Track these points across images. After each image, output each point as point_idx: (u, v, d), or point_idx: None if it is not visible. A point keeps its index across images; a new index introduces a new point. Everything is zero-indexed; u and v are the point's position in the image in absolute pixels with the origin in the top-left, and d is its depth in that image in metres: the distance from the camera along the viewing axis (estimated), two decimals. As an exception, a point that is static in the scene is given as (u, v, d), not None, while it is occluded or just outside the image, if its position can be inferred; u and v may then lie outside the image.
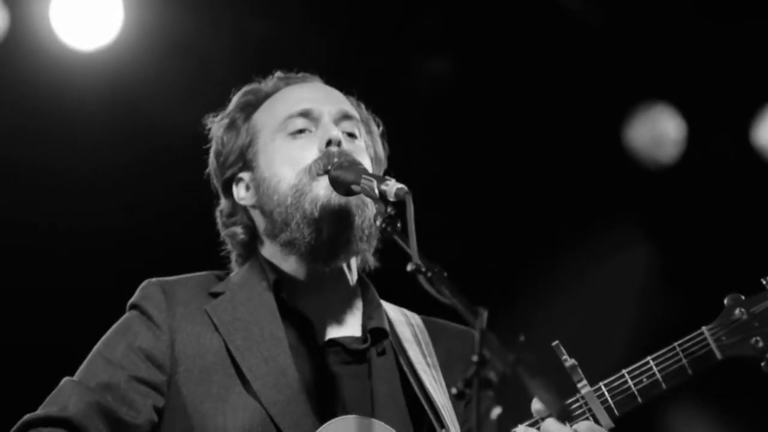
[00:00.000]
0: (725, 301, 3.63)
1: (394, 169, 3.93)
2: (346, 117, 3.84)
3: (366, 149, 3.88)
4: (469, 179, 6.90)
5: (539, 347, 3.05)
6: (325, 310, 3.76)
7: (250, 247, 3.87)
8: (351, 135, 3.84)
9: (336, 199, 3.65)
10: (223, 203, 3.92)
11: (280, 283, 3.74)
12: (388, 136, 4.03)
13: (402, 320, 3.87)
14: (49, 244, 6.38)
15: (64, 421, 3.49)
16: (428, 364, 3.78)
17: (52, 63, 6.22)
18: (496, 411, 2.80)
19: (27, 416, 3.54)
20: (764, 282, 3.63)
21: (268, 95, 3.92)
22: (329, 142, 3.72)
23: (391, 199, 3.44)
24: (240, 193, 3.86)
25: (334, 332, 3.74)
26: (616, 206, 6.86)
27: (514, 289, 6.61)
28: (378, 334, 3.76)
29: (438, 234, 3.36)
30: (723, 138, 6.94)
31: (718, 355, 3.59)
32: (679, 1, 6.77)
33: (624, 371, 3.57)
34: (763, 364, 3.58)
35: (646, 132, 7.00)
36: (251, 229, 3.86)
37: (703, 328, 3.60)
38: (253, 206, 3.83)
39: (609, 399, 3.56)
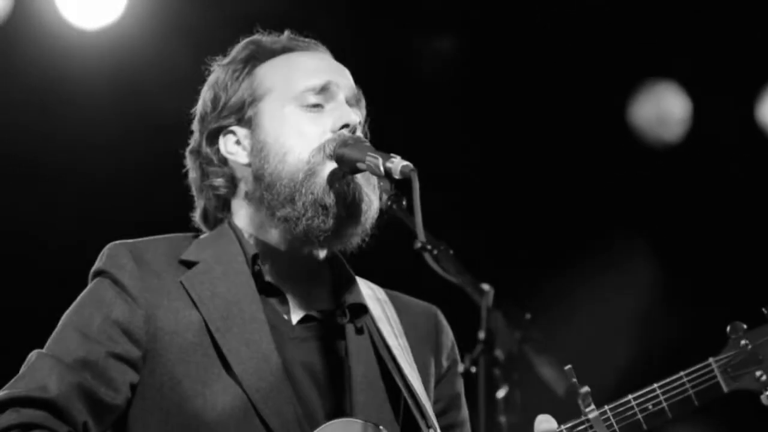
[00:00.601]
0: (728, 330, 3.59)
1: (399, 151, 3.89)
2: (357, 100, 3.75)
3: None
4: (468, 164, 6.88)
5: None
6: (299, 284, 3.65)
7: (226, 205, 3.72)
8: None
9: (351, 191, 3.55)
10: (205, 149, 3.72)
11: (257, 256, 3.63)
12: (394, 118, 3.98)
13: (370, 295, 3.76)
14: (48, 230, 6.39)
15: (46, 403, 3.35)
16: (400, 346, 3.70)
17: (55, 42, 6.22)
18: (502, 390, 2.80)
19: (3, 393, 3.38)
20: (765, 311, 3.59)
21: (274, 53, 3.77)
22: (345, 126, 3.62)
23: (397, 176, 3.39)
24: (228, 146, 3.69)
25: (309, 307, 3.64)
26: (616, 205, 6.88)
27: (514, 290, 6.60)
28: (356, 309, 3.67)
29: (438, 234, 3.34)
30: (728, 116, 6.94)
31: (725, 388, 3.55)
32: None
33: (630, 396, 3.53)
34: (763, 396, 3.55)
35: (651, 110, 6.99)
36: (233, 186, 3.71)
37: (710, 360, 3.56)
38: (246, 165, 3.66)
39: (614, 424, 3.51)
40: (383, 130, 3.79)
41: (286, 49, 3.78)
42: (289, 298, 3.64)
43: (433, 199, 3.32)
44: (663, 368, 3.58)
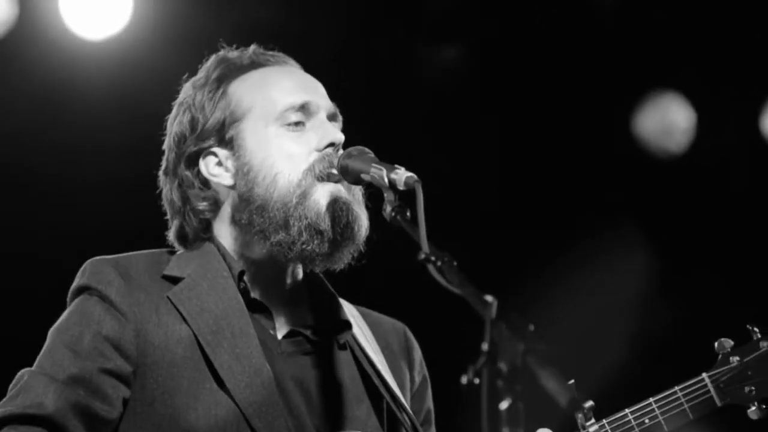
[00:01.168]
0: (716, 347, 3.70)
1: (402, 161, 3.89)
2: (335, 115, 3.73)
3: None
4: (470, 173, 6.89)
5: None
6: (283, 300, 3.66)
7: (208, 225, 3.70)
8: None
9: (345, 214, 3.57)
10: (183, 171, 3.69)
11: (242, 273, 3.63)
12: (396, 125, 4.00)
13: (347, 311, 3.78)
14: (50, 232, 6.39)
15: (43, 419, 3.33)
16: (380, 361, 3.72)
17: (60, 52, 6.23)
18: (505, 402, 2.79)
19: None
20: (750, 328, 3.70)
21: (243, 69, 3.74)
22: (331, 144, 3.61)
23: (401, 188, 3.39)
24: (210, 168, 3.66)
25: (294, 323, 3.65)
26: (617, 203, 6.87)
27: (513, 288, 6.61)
28: (339, 325, 3.69)
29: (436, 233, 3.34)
30: (732, 128, 6.94)
31: (718, 402, 3.66)
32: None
33: (627, 411, 3.63)
34: (749, 410, 3.66)
35: (656, 121, 6.99)
36: (216, 208, 3.68)
37: (704, 375, 3.67)
38: (230, 187, 3.65)
39: None
40: (385, 139, 3.79)
41: (255, 65, 3.75)
42: (275, 314, 3.64)
43: (435, 208, 3.33)
44: (663, 369, 3.61)
